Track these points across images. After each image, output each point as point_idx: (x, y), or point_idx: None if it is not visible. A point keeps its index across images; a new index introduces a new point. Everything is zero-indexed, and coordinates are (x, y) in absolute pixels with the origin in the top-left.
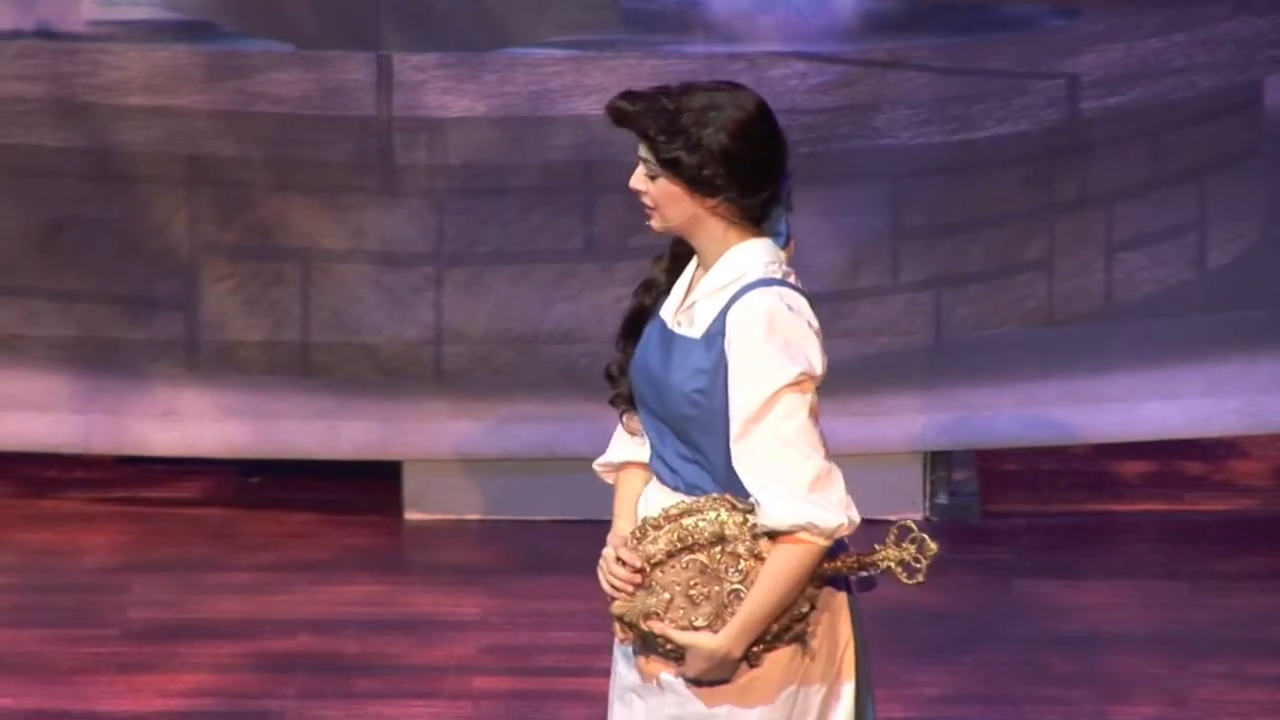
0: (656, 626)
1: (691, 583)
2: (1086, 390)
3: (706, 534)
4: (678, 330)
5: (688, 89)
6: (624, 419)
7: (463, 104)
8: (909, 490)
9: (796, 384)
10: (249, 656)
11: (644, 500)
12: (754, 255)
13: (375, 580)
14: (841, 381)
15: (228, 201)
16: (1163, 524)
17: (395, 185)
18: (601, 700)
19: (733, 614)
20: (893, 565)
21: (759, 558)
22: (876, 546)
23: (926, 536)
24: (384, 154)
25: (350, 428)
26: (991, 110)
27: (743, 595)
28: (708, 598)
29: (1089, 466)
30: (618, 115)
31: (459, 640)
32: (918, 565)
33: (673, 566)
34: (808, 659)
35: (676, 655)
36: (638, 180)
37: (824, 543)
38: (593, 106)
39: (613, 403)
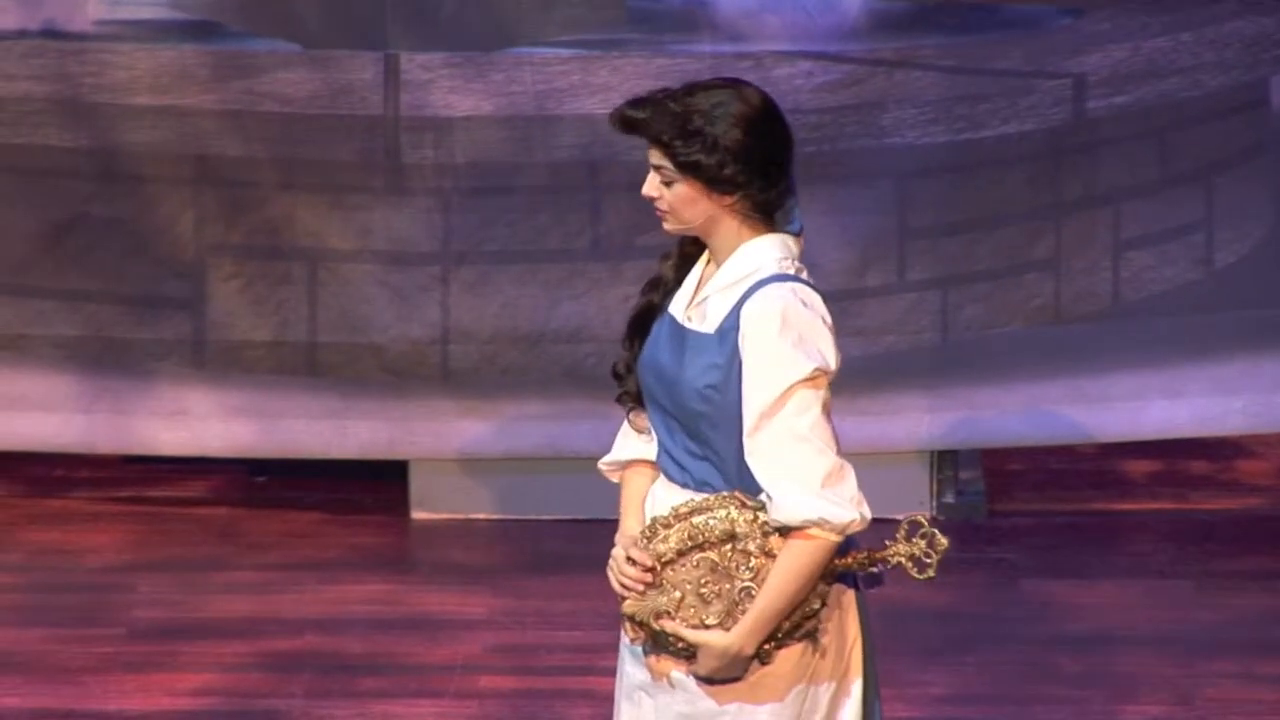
0: (668, 625)
1: (702, 581)
2: (1093, 389)
3: (717, 532)
4: (689, 325)
5: (690, 89)
6: (631, 417)
7: (469, 103)
8: (915, 489)
9: (810, 379)
10: (255, 656)
11: (651, 497)
12: (767, 251)
13: (382, 580)
14: (848, 380)
15: (234, 201)
16: (1169, 523)
17: (402, 185)
18: (607, 699)
19: (744, 612)
20: (903, 560)
21: (770, 555)
22: (887, 542)
23: (937, 531)
24: (391, 153)
25: (357, 427)
26: (998, 110)
27: (754, 593)
28: (719, 596)
29: (1096, 466)
30: (628, 124)
31: (465, 639)
32: (928, 560)
33: (683, 565)
34: (818, 656)
35: (688, 654)
36: (651, 187)
37: (836, 538)
38: (599, 106)
39: (620, 400)
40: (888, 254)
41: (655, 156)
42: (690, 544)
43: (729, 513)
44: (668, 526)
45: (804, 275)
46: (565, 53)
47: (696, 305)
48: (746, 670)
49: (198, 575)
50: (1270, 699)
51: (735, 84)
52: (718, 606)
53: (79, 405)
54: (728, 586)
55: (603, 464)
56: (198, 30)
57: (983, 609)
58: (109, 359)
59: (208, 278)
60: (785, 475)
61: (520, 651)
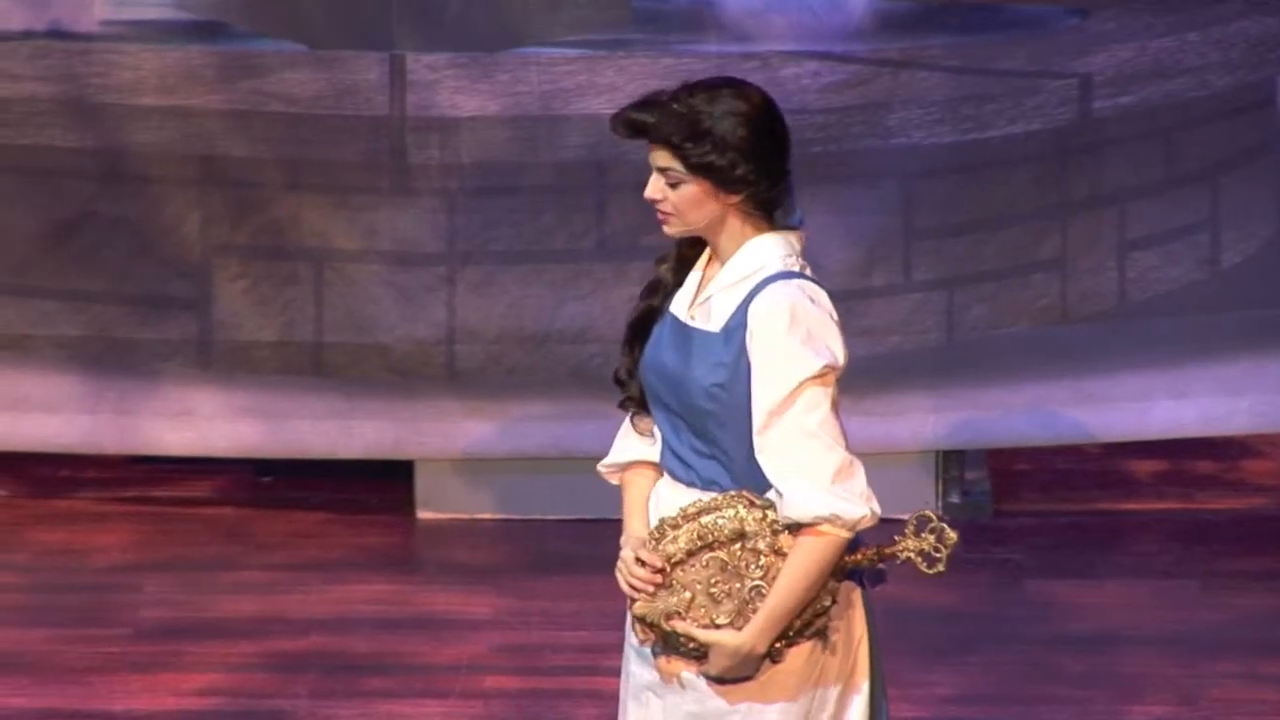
0: (679, 626)
1: (713, 580)
2: (1098, 389)
3: (726, 531)
4: (694, 325)
5: (689, 89)
6: (633, 420)
7: (475, 104)
8: (921, 490)
9: (819, 377)
10: (261, 655)
11: (655, 498)
12: (771, 249)
13: (387, 579)
14: (853, 381)
15: (240, 202)
16: (1174, 523)
17: (408, 185)
18: (613, 699)
19: (754, 610)
20: (913, 555)
21: (780, 553)
22: (896, 538)
23: (946, 525)
24: (397, 154)
25: (363, 427)
26: (1004, 110)
27: (764, 591)
28: (729, 595)
29: (1101, 466)
30: (635, 128)
31: (471, 639)
32: (938, 555)
33: (693, 565)
34: (827, 654)
35: (699, 654)
36: (655, 190)
37: (847, 535)
38: (605, 106)
39: (622, 406)
40: (893, 254)
41: (662, 159)
42: (700, 544)
43: (738, 511)
44: (676, 527)
45: (808, 272)
46: (571, 53)
47: (700, 305)
48: (758, 669)
49: (203, 575)
50: (1275, 699)
51: (734, 82)
52: (728, 606)
53: (84, 406)
54: (738, 585)
55: (602, 466)
56: (203, 31)
57: (988, 609)
58: (114, 359)
59: (213, 278)
60: (796, 472)
61: (526, 651)
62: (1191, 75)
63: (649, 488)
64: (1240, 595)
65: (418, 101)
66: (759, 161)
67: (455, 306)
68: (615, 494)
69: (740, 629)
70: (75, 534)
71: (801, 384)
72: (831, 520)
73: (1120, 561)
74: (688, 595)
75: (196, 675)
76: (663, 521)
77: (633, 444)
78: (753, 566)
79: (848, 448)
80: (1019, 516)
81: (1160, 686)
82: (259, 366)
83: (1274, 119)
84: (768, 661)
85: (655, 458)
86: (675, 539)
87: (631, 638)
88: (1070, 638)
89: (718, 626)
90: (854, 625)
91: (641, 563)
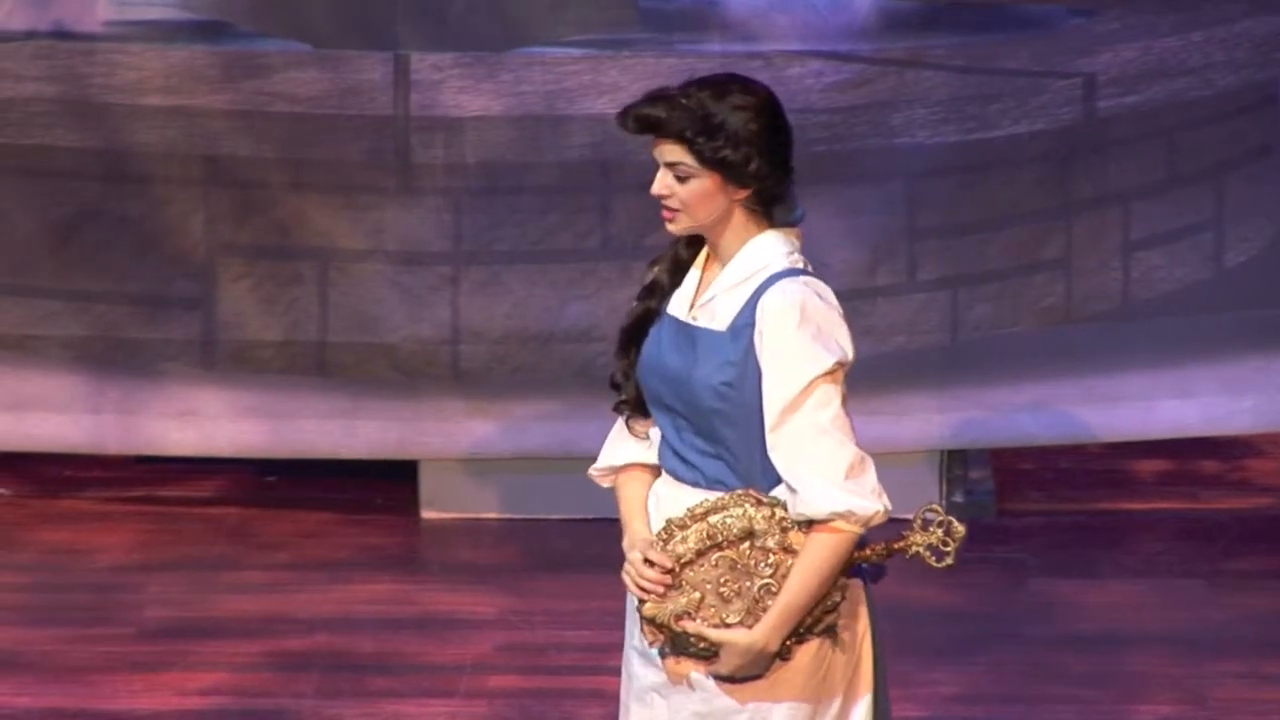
0: (690, 626)
1: (722, 580)
2: (1103, 389)
3: (735, 530)
4: (698, 324)
5: (699, 85)
6: (629, 422)
7: (479, 103)
8: (925, 489)
9: (830, 373)
10: (265, 655)
11: (655, 498)
12: (773, 247)
13: (392, 579)
14: (857, 380)
15: (244, 201)
16: (1179, 523)
17: (412, 185)
18: (617, 699)
19: (765, 609)
20: (921, 550)
21: (789, 551)
22: (904, 533)
23: (954, 519)
24: (401, 153)
25: (367, 427)
26: (1008, 109)
27: (774, 589)
28: (739, 594)
29: (1105, 465)
30: (646, 123)
31: (475, 639)
32: (946, 549)
33: (702, 565)
34: (835, 652)
35: (709, 654)
36: (662, 185)
37: (859, 530)
38: (609, 106)
39: (617, 409)
40: (897, 254)
41: (671, 153)
42: (709, 543)
43: (746, 510)
44: (684, 528)
45: (810, 269)
46: (575, 52)
47: (703, 305)
48: (768, 668)
49: (208, 575)
50: None
51: (739, 78)
52: (738, 605)
53: (88, 405)
54: (748, 584)
55: (594, 470)
56: (207, 30)
57: (991, 609)
58: (119, 359)
59: (218, 278)
60: (809, 469)
61: (530, 651)
62: (1196, 75)
63: (645, 489)
64: (1244, 595)
65: (422, 101)
66: (771, 155)
67: (460, 306)
68: None
69: (751, 627)
70: (79, 534)
71: (813, 381)
72: (845, 516)
73: (1124, 561)
74: (697, 595)
75: (200, 675)
76: (670, 522)
77: (627, 446)
78: (762, 565)
79: (857, 444)
80: (1023, 516)
81: (1164, 686)
82: (263, 366)
83: (1278, 118)
84: (777, 660)
85: (650, 459)
86: (684, 539)
87: (632, 638)
88: (1074, 637)
89: (728, 626)
90: (858, 622)
91: (650, 564)
